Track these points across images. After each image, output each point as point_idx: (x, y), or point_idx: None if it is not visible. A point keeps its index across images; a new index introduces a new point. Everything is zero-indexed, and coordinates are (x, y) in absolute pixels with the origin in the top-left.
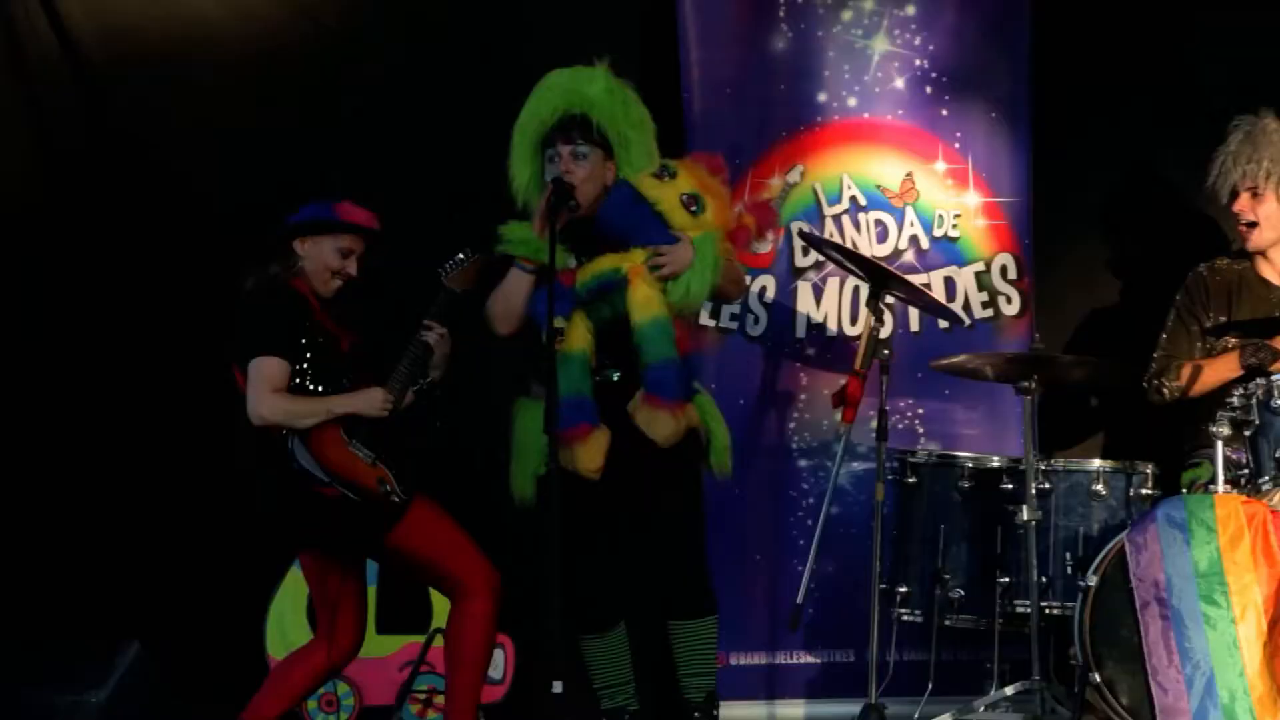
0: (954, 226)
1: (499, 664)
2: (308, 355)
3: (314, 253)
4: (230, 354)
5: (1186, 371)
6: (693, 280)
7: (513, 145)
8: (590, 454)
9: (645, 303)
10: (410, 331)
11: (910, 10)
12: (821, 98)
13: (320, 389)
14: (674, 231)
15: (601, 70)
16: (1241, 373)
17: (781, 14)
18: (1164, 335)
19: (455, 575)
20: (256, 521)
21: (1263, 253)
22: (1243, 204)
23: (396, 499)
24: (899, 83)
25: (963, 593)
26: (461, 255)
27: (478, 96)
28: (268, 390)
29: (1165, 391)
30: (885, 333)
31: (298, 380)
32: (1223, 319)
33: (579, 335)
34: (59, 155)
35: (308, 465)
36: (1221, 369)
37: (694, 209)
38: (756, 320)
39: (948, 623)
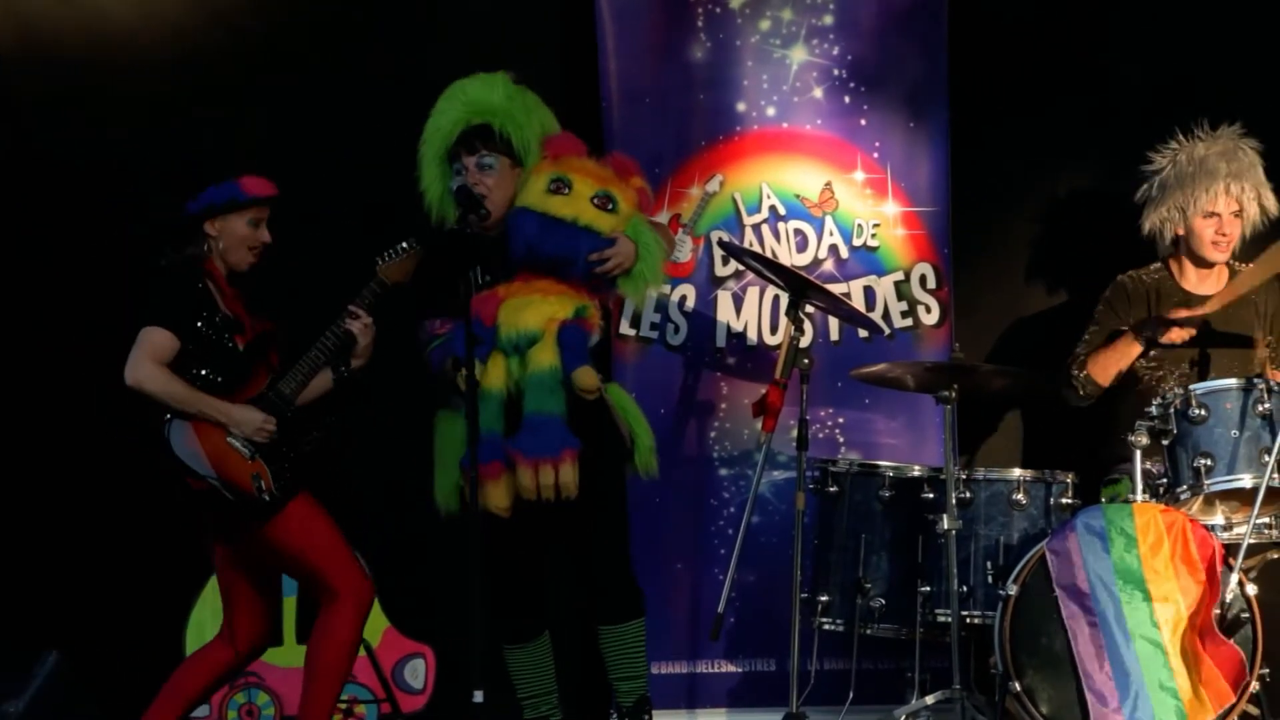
0: (873, 236)
1: (419, 673)
2: (202, 336)
3: (227, 230)
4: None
5: (1089, 359)
6: (645, 268)
7: (421, 159)
8: (500, 493)
9: (539, 354)
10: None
11: (828, 20)
12: (740, 107)
13: (206, 374)
14: (607, 235)
15: (501, 77)
16: (1142, 348)
17: (700, 24)
18: (1084, 338)
19: (325, 577)
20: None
21: (1179, 263)
22: (1229, 222)
23: (267, 498)
24: (818, 92)
25: (884, 602)
26: (405, 245)
27: (394, 103)
28: (148, 358)
29: (1075, 384)
30: (805, 342)
31: (183, 360)
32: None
33: (496, 375)
34: None
35: (181, 454)
36: (1122, 348)
37: (610, 207)
38: (677, 330)
39: (869, 632)
